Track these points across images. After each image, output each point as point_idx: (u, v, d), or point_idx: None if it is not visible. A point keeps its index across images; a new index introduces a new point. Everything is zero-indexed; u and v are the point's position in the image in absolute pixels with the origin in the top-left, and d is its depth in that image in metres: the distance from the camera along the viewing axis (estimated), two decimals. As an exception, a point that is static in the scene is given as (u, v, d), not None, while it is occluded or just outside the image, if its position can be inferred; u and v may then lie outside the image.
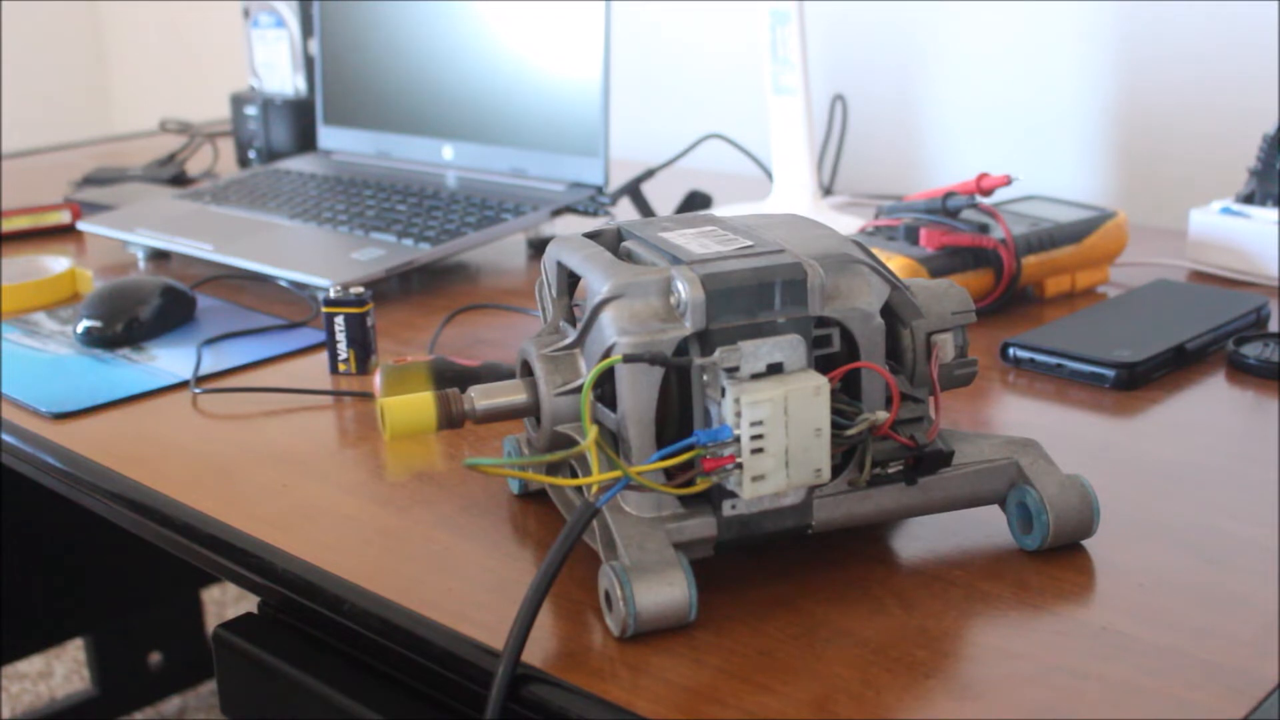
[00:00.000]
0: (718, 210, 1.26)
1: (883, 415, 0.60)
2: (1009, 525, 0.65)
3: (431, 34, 1.30)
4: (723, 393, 0.57)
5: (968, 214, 0.99)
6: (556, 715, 0.54)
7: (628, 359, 0.58)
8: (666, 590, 0.57)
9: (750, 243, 0.63)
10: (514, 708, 0.55)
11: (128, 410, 0.87)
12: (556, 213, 1.18)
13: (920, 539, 0.65)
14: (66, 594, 1.71)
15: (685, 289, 0.58)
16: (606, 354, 0.59)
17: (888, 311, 0.64)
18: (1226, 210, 1.05)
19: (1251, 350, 0.86)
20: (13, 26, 2.51)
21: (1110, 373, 0.84)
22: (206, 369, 0.93)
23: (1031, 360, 0.87)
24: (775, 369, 0.57)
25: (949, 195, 0.98)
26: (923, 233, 0.96)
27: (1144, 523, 0.66)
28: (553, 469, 0.65)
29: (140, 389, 0.90)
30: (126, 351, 0.98)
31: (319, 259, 1.10)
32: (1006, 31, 1.34)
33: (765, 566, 0.63)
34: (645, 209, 1.27)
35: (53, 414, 0.86)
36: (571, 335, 0.63)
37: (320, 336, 0.99)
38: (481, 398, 0.64)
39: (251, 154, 1.53)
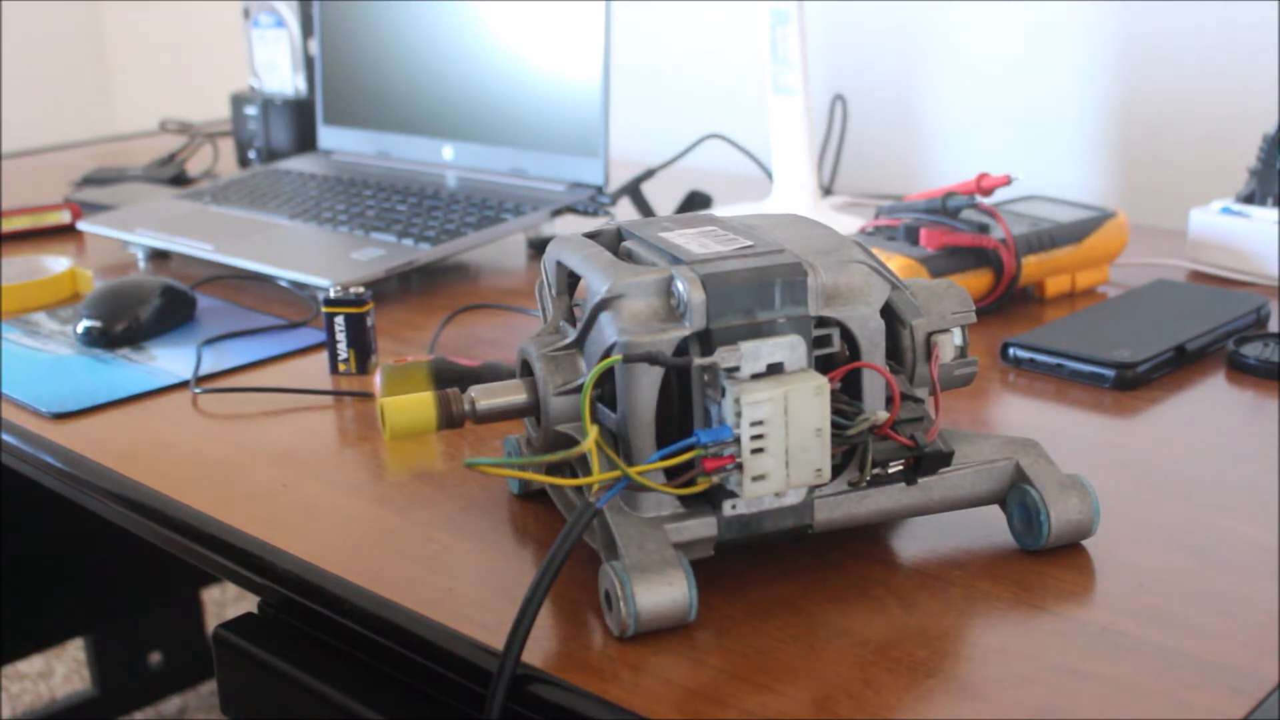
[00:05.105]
0: (718, 210, 1.26)
1: (883, 415, 0.60)
2: (1009, 525, 0.65)
3: (431, 34, 1.30)
4: (723, 393, 0.57)
5: (968, 214, 0.99)
6: (556, 715, 0.54)
7: (628, 359, 0.58)
8: (666, 590, 0.57)
9: (750, 243, 0.63)
10: (514, 708, 0.56)
11: (128, 410, 0.87)
12: (556, 213, 1.18)
13: (920, 539, 0.65)
14: (66, 594, 1.71)
15: (685, 289, 0.58)
16: (606, 354, 0.59)
17: (888, 311, 0.64)
18: (1226, 210, 1.05)
19: (1251, 350, 0.86)
20: (13, 27, 2.51)
21: (1110, 373, 0.84)
22: (206, 369, 0.93)
23: (1031, 360, 0.87)
24: (775, 369, 0.57)
25: (949, 195, 0.98)
26: (923, 233, 0.95)
27: (1144, 523, 0.66)
28: (553, 469, 0.65)
29: (140, 389, 0.90)
30: (126, 351, 0.98)
31: (319, 259, 1.10)
32: (1006, 31, 1.34)
33: (765, 566, 0.63)
34: (645, 209, 1.27)
35: (53, 414, 0.86)
36: (571, 335, 0.63)
37: (320, 336, 0.99)
38: (481, 398, 0.64)
39: (251, 154, 1.53)
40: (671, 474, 0.58)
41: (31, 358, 0.97)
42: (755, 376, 0.57)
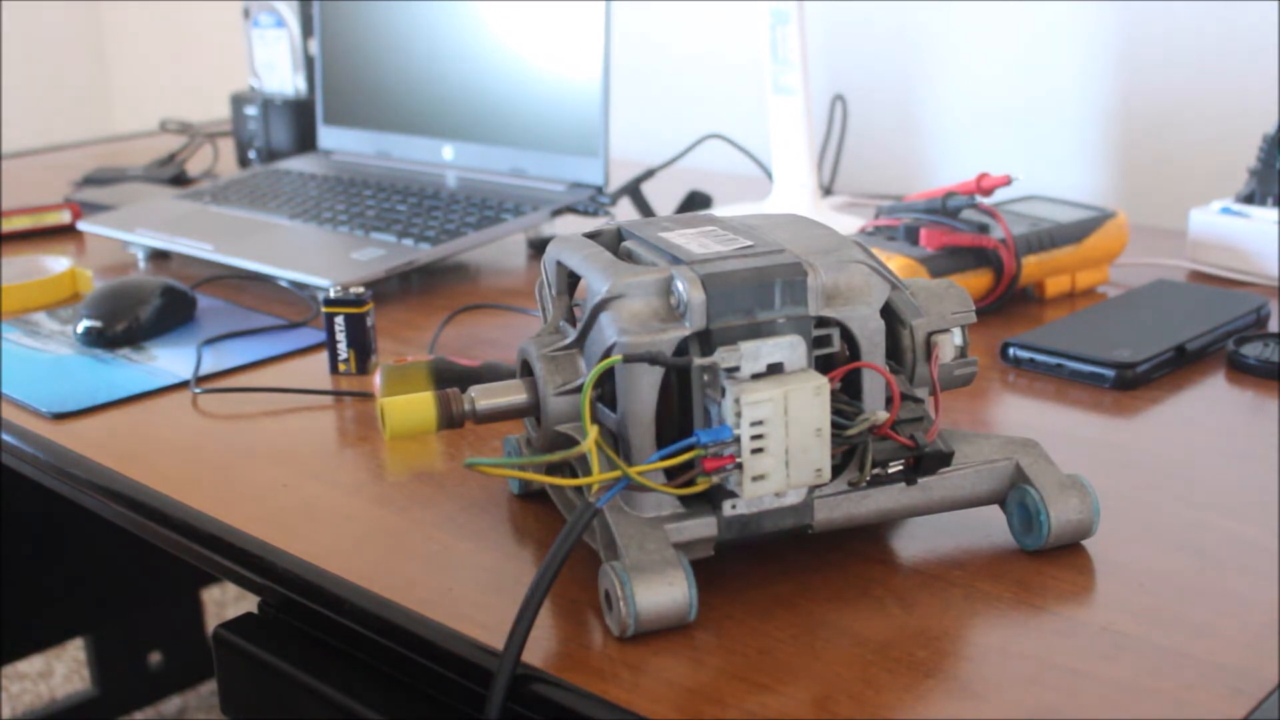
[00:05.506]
0: (718, 210, 1.26)
1: (883, 415, 0.60)
2: (1009, 525, 0.65)
3: (431, 34, 1.30)
4: (723, 393, 0.57)
5: (968, 214, 0.99)
6: (556, 715, 0.54)
7: (628, 359, 0.58)
8: (666, 590, 0.57)
9: (750, 243, 0.63)
10: (514, 708, 0.56)
11: (128, 410, 0.87)
12: (556, 213, 1.18)
13: (920, 539, 0.65)
14: (66, 594, 1.71)
15: (685, 289, 0.58)
16: (606, 354, 0.59)
17: (888, 311, 0.64)
18: (1226, 210, 1.05)
19: (1251, 350, 0.86)
20: (13, 26, 2.51)
21: (1110, 373, 0.84)
22: (206, 369, 0.93)
23: (1031, 360, 0.87)
24: (775, 369, 0.57)
25: (949, 195, 0.98)
26: (923, 233, 0.95)
27: (1144, 523, 0.66)
28: (553, 469, 0.65)
29: (140, 389, 0.90)
30: (126, 351, 0.98)
31: (319, 259, 1.10)
32: (1006, 32, 1.34)
33: (765, 566, 0.63)
34: (645, 209, 1.27)
35: (53, 414, 0.86)
36: (571, 335, 0.63)
37: (320, 336, 0.99)
38: (481, 398, 0.64)
39: (251, 154, 1.53)
40: (671, 474, 0.58)
41: (31, 358, 0.97)
42: (755, 376, 0.57)
